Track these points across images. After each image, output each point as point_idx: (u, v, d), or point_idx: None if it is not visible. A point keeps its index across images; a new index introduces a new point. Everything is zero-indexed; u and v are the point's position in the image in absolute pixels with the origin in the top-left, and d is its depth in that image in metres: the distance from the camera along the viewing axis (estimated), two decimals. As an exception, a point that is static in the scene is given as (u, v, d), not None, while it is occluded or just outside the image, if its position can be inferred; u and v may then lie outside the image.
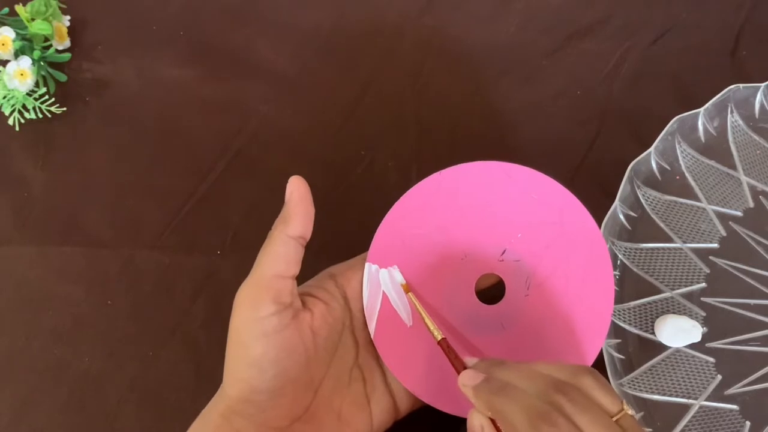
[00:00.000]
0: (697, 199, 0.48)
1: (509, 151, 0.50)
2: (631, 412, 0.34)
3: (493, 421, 0.35)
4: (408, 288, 0.42)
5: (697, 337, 0.45)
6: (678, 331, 0.44)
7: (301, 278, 0.41)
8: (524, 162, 0.43)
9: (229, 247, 0.50)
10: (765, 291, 0.46)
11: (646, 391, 0.44)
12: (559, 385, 0.34)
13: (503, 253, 0.42)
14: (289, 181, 0.40)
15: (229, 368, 0.39)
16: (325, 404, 0.40)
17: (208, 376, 0.47)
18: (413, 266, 0.42)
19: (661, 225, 0.48)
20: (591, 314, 0.41)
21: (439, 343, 0.40)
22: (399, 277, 0.42)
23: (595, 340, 0.41)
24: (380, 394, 0.42)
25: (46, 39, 0.55)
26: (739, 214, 0.48)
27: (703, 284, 0.46)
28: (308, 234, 0.40)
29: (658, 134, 0.47)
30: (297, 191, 0.40)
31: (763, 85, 0.49)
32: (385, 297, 0.42)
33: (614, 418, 0.33)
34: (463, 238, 0.42)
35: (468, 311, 0.42)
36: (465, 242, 0.42)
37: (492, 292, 0.43)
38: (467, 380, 0.37)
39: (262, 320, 0.37)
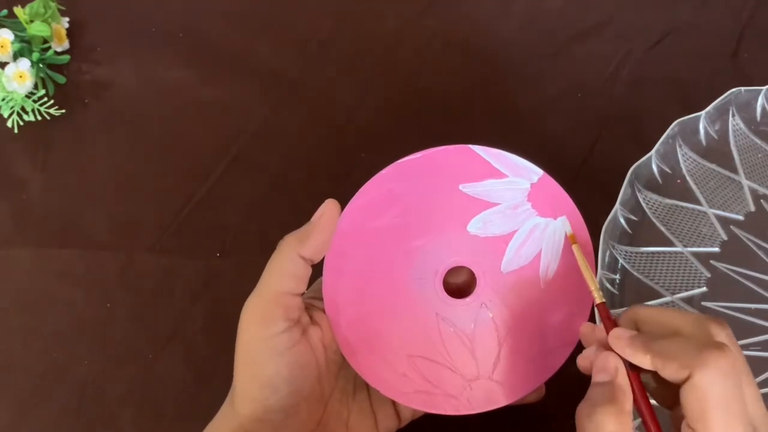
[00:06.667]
0: (698, 202, 0.48)
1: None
2: None
3: (628, 366, 0.34)
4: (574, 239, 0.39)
5: (697, 342, 0.44)
6: (678, 336, 0.44)
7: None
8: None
9: (229, 249, 0.50)
10: (766, 295, 0.46)
11: (647, 396, 0.44)
12: (712, 319, 0.33)
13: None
14: (325, 201, 0.38)
15: (240, 387, 0.37)
16: (334, 416, 0.40)
17: (207, 379, 0.47)
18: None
19: (662, 229, 0.47)
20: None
21: (597, 306, 0.37)
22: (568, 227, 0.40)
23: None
24: (383, 401, 0.41)
25: (45, 41, 0.55)
26: (740, 217, 0.48)
27: (704, 288, 0.46)
28: (318, 260, 0.38)
29: (659, 137, 0.47)
30: (327, 216, 0.38)
31: (764, 88, 0.49)
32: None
33: None
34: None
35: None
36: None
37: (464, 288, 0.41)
38: (621, 333, 0.34)
39: (273, 338, 0.36)
